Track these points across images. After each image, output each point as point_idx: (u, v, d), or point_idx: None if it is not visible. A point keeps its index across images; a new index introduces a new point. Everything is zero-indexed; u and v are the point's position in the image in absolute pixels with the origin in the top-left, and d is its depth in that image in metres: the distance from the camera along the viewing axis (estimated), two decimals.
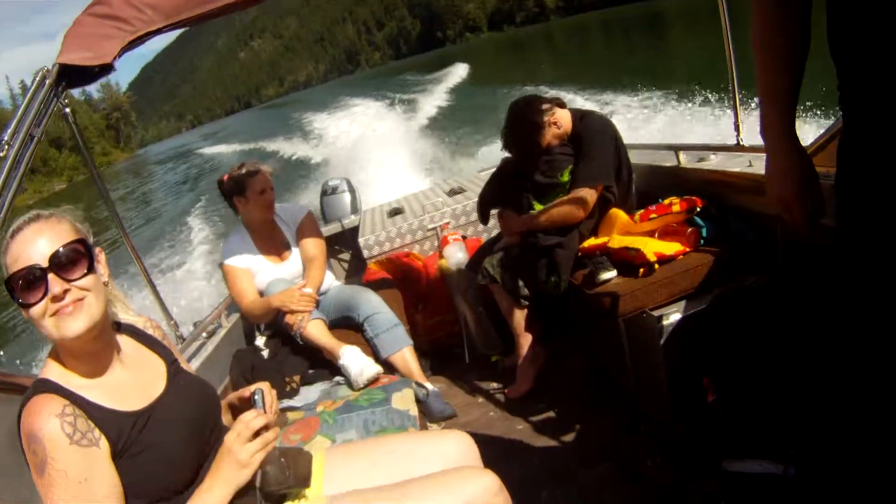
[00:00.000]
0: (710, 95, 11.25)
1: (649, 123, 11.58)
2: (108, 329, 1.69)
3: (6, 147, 2.34)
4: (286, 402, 3.17)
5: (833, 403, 2.25)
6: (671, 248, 2.95)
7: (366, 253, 4.77)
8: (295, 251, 3.85)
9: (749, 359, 2.62)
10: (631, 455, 2.92)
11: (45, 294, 1.50)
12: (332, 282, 3.97)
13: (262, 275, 3.73)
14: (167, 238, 17.99)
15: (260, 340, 3.76)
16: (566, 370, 3.78)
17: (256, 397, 1.70)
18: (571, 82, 20.42)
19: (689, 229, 3.03)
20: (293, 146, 24.60)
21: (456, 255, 4.24)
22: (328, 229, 5.21)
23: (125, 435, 1.56)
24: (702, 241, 3.00)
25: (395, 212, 5.27)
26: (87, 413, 1.53)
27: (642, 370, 3.08)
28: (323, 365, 3.49)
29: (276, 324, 3.67)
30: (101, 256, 1.68)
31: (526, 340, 3.67)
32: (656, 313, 2.81)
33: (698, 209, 3.09)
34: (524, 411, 3.55)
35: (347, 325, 3.67)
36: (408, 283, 4.49)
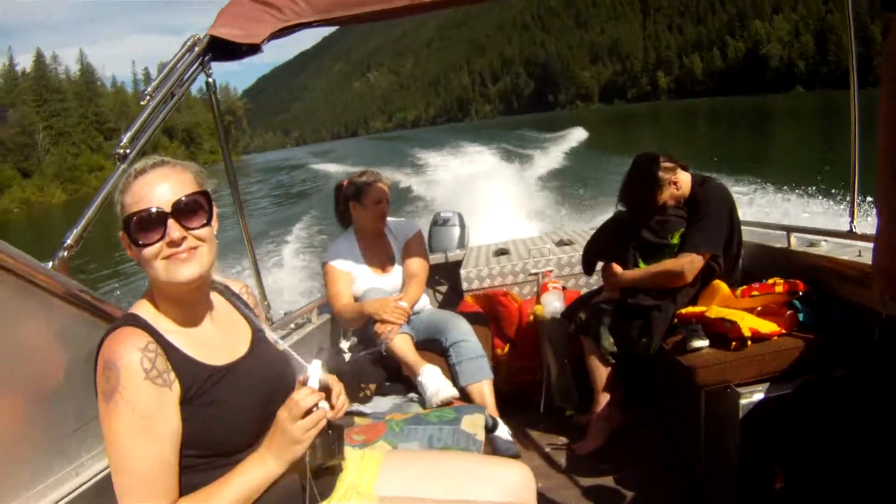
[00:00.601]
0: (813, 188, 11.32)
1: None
2: (208, 282, 1.76)
3: (147, 98, 2.51)
4: (357, 407, 3.22)
5: None
6: (767, 326, 2.90)
7: (465, 285, 4.82)
8: (398, 267, 3.92)
9: (825, 451, 2.54)
10: None
11: (163, 237, 1.57)
12: (426, 304, 4.04)
13: (362, 282, 3.81)
14: (269, 237, 18.65)
15: (345, 344, 3.83)
16: (638, 438, 3.72)
17: (312, 371, 1.70)
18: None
19: (788, 312, 2.98)
20: (405, 176, 25.10)
21: (553, 303, 4.23)
22: (432, 258, 5.26)
23: (198, 385, 1.61)
24: (798, 326, 2.94)
25: (501, 252, 5.32)
26: (168, 355, 1.58)
27: (714, 447, 3.02)
28: (400, 380, 3.53)
29: (363, 331, 3.73)
30: (215, 212, 1.75)
31: (604, 399, 3.64)
32: (740, 390, 2.76)
33: (800, 293, 3.04)
34: (588, 469, 3.51)
35: (433, 348, 3.70)
36: (500, 321, 4.51)
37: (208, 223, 1.66)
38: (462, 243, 5.90)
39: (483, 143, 35.44)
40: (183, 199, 1.60)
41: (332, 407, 1.68)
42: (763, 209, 11.40)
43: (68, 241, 2.13)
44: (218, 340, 1.75)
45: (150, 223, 1.57)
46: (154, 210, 1.57)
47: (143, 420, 1.49)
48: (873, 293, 2.73)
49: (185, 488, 1.58)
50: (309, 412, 1.61)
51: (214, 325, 1.77)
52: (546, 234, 6.32)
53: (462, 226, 6.04)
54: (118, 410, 1.49)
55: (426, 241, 5.25)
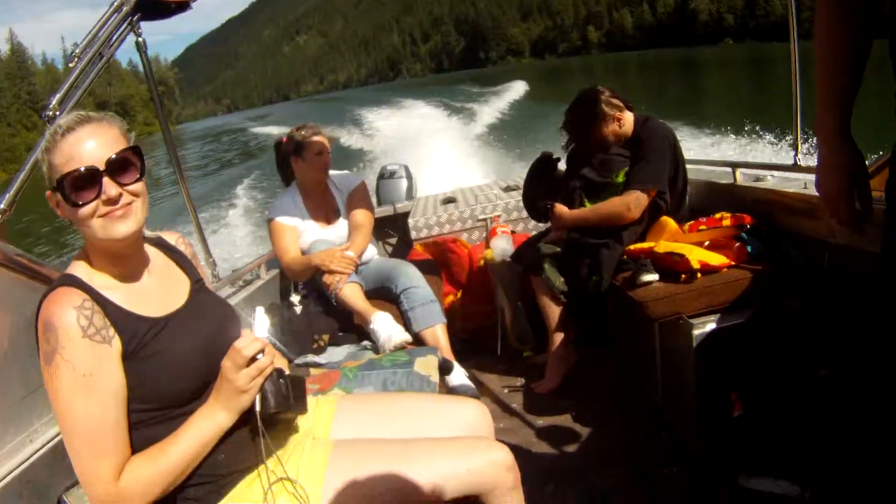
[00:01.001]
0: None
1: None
2: (142, 237, 1.72)
3: (76, 59, 2.43)
4: (312, 358, 3.18)
5: (862, 429, 2.20)
6: (716, 259, 2.92)
7: (413, 234, 4.80)
8: (343, 219, 3.88)
9: (781, 377, 2.58)
10: (646, 461, 2.89)
11: (98, 196, 1.53)
12: (374, 254, 3.99)
13: (308, 235, 3.76)
14: (212, 200, 18.59)
15: (295, 298, 3.79)
16: (595, 375, 3.75)
17: (254, 318, 1.68)
18: None
19: (737, 244, 2.99)
20: (347, 135, 24.95)
21: (502, 247, 4.21)
22: (380, 211, 5.25)
23: (138, 338, 1.58)
24: (748, 258, 2.96)
25: (449, 200, 5.30)
26: (106, 311, 1.55)
27: (671, 378, 3.05)
28: (353, 329, 3.51)
29: (312, 283, 3.71)
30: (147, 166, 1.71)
31: (559, 338, 3.64)
32: (693, 321, 2.78)
33: (748, 226, 3.06)
34: (547, 408, 3.53)
35: (384, 297, 3.68)
36: (450, 268, 4.50)
37: (141, 178, 1.61)
38: (410, 195, 5.87)
39: (422, 99, 35.41)
40: (115, 156, 1.56)
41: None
42: (704, 151, 11.61)
43: (1, 206, 2.09)
44: (155, 293, 1.71)
45: (84, 182, 1.52)
46: (89, 168, 1.52)
47: (85, 378, 1.47)
48: (821, 224, 2.78)
49: (145, 441, 1.57)
50: (253, 360, 1.59)
51: (151, 278, 1.73)
52: (493, 182, 6.31)
53: (409, 177, 6.02)
54: (59, 371, 1.47)
55: (373, 194, 5.22)
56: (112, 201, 1.54)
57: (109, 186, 1.53)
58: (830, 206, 1.66)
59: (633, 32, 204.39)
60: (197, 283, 1.85)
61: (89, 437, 1.47)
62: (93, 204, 1.53)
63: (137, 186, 1.60)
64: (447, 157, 13.65)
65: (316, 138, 3.74)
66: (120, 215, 1.56)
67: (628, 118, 3.51)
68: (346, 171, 4.09)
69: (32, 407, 1.99)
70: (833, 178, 1.63)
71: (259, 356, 1.60)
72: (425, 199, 5.64)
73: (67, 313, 1.49)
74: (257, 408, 1.62)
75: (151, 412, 1.58)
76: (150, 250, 1.80)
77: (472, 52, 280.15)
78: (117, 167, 1.55)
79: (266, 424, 1.66)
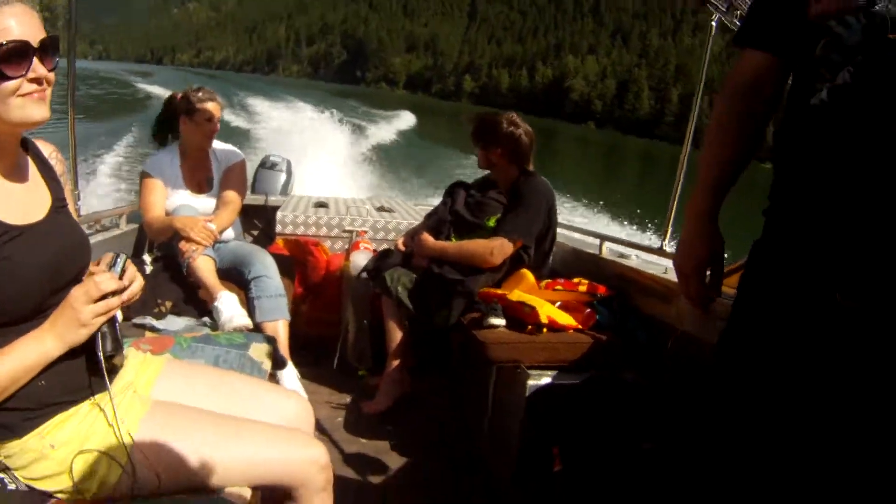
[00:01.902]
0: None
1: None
2: (20, 135, 1.65)
3: None
4: (149, 321, 3.09)
5: None
6: (565, 318, 3.01)
7: (279, 228, 4.72)
8: (215, 191, 3.79)
9: (605, 443, 2.66)
10: (459, 497, 2.92)
11: (26, 73, 1.47)
12: (235, 235, 3.92)
13: (176, 198, 3.64)
14: (90, 144, 17.80)
15: (147, 257, 3.69)
16: (426, 406, 3.78)
17: (118, 261, 1.61)
18: None
19: (587, 310, 3.10)
20: (234, 116, 24.52)
21: (361, 262, 4.20)
22: (252, 199, 5.15)
23: None
24: (595, 326, 3.07)
25: (321, 204, 5.25)
26: None
27: (499, 422, 3.11)
28: (196, 302, 3.41)
29: (167, 247, 3.60)
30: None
31: (397, 362, 3.64)
32: (530, 371, 2.85)
33: (602, 297, 3.18)
34: (370, 428, 3.51)
35: (234, 279, 3.60)
36: (306, 270, 4.44)
37: (55, 68, 1.56)
38: (285, 190, 5.80)
39: (311, 103, 35.30)
40: (47, 37, 1.50)
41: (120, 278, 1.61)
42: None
43: None
44: (17, 199, 1.60)
45: (16, 55, 1.45)
46: (24, 42, 1.46)
47: None
48: (672, 309, 2.91)
49: None
50: (104, 298, 1.53)
51: (15, 183, 1.62)
52: (369, 199, 6.33)
53: (289, 173, 5.96)
54: None
55: (250, 180, 5.12)
56: (37, 81, 1.49)
57: (38, 66, 1.48)
58: (683, 283, 1.76)
59: (507, 92, 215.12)
60: (59, 202, 1.73)
61: None
62: (18, 81, 1.47)
63: (53, 76, 1.55)
64: (329, 165, 13.63)
65: (210, 104, 3.67)
66: (38, 98, 1.50)
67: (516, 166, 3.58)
68: (230, 146, 4.00)
69: None
70: (690, 257, 1.73)
71: (110, 297, 1.54)
72: (298, 199, 5.57)
73: None
74: (98, 346, 1.56)
75: None
76: (21, 155, 1.70)
77: (350, 68, 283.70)
78: (46, 49, 1.50)
79: (110, 368, 1.62)
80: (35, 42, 1.47)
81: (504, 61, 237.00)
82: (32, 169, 1.71)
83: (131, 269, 1.64)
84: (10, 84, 1.46)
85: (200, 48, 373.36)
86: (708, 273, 1.73)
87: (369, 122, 31.95)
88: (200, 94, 3.68)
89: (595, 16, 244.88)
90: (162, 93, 37.87)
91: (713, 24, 3.41)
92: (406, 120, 39.35)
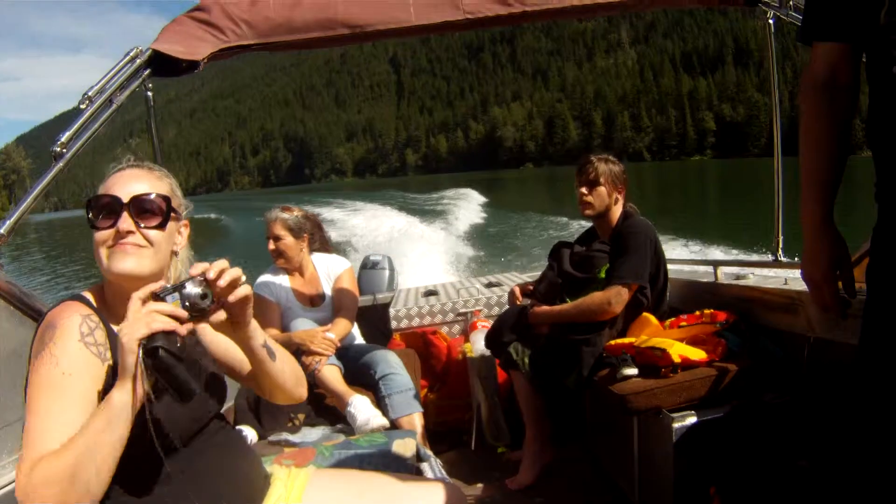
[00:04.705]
0: None
1: None
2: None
3: (87, 101, 2.52)
4: (285, 436, 3.15)
5: None
6: (696, 353, 2.92)
7: (394, 324, 4.78)
8: (327, 302, 3.89)
9: (761, 470, 2.55)
10: None
11: (114, 225, 1.58)
12: (355, 338, 3.98)
13: (290, 314, 3.76)
14: None
15: None
16: (570, 472, 3.69)
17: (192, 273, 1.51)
18: None
19: (717, 340, 3.01)
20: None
21: (482, 342, 4.20)
22: (361, 300, 5.22)
23: None
24: (727, 354, 2.97)
25: (430, 293, 5.31)
26: (109, 336, 1.56)
27: (648, 473, 3.01)
28: (328, 410, 3.48)
29: None
30: (184, 229, 1.77)
31: (536, 433, 3.61)
32: (672, 415, 2.77)
33: (728, 322, 3.09)
34: (521, 503, 3.45)
35: (362, 382, 3.64)
36: (429, 360, 4.47)
37: (162, 227, 1.65)
38: (391, 286, 5.87)
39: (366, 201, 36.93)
40: (143, 196, 1.62)
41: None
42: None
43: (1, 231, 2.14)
44: None
45: (105, 209, 1.60)
46: (114, 197, 1.60)
47: (63, 377, 1.45)
48: (801, 319, 2.81)
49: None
50: (156, 299, 1.45)
51: None
52: (474, 277, 6.36)
53: (391, 269, 6.03)
54: (43, 362, 1.46)
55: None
56: (121, 235, 1.58)
57: (125, 220, 1.59)
58: (815, 292, 1.71)
59: (447, 156, 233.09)
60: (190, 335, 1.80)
61: (40, 433, 1.40)
62: (106, 232, 1.59)
63: (154, 234, 1.63)
64: (420, 255, 13.83)
65: (270, 224, 3.86)
66: (126, 251, 1.59)
67: (620, 206, 3.58)
68: (333, 255, 4.10)
69: (3, 442, 1.94)
70: (817, 265, 1.69)
71: (163, 305, 1.44)
72: (406, 291, 5.65)
73: (72, 317, 1.51)
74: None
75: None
76: None
77: (298, 168, 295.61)
78: (141, 206, 1.62)
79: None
80: (127, 198, 1.60)
81: (438, 127, 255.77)
82: None
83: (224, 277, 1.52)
84: (100, 234, 1.60)
85: None
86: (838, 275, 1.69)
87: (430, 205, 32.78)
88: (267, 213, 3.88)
89: (513, 63, 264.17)
90: None
91: (770, 21, 3.38)
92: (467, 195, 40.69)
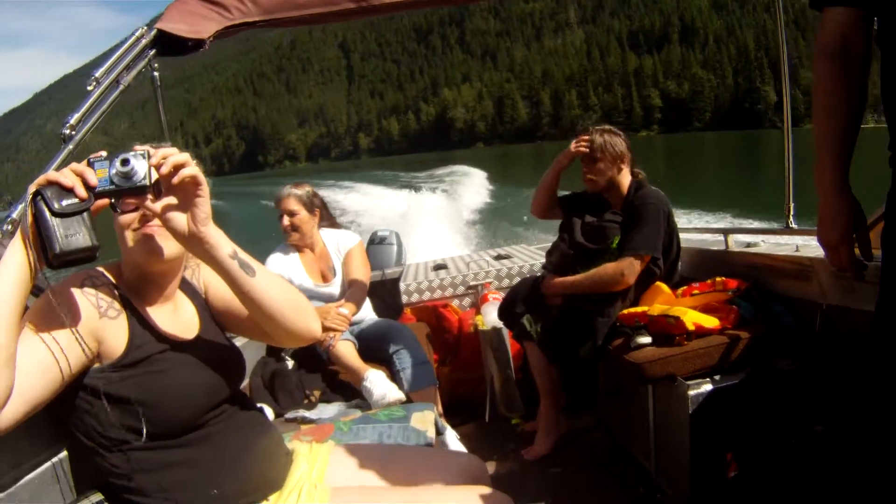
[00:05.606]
0: None
1: None
2: (176, 273, 1.74)
3: (94, 83, 2.50)
4: (302, 413, 3.16)
5: (860, 486, 2.19)
6: (710, 321, 2.93)
7: (404, 298, 4.80)
8: (338, 277, 3.87)
9: (776, 436, 2.57)
10: None
11: (137, 209, 1.53)
12: (368, 313, 3.99)
13: (302, 292, 3.73)
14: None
15: (287, 351, 3.76)
16: (585, 442, 3.73)
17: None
18: None
19: (730, 308, 3.02)
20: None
21: (493, 314, 4.20)
22: (371, 275, 5.24)
23: (150, 347, 1.56)
24: (740, 321, 2.98)
25: (439, 267, 5.32)
26: (120, 302, 1.57)
27: (664, 441, 3.03)
28: (345, 386, 3.48)
29: None
30: None
31: (550, 404, 3.63)
32: (687, 382, 2.78)
33: (740, 290, 3.09)
34: (538, 473, 3.49)
35: (376, 357, 3.64)
36: (440, 333, 4.49)
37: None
38: (399, 261, 5.88)
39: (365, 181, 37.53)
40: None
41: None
42: None
43: (12, 216, 2.16)
44: (172, 318, 1.70)
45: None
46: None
47: (50, 312, 1.41)
48: (813, 285, 2.82)
49: (134, 466, 1.50)
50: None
51: (166, 302, 1.72)
52: (482, 251, 6.36)
53: (399, 244, 6.02)
54: (39, 300, 1.44)
55: None
56: (147, 218, 1.55)
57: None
58: (832, 255, 1.72)
59: (400, 138, 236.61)
60: (207, 319, 1.82)
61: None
62: (131, 215, 1.55)
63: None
64: (426, 230, 13.84)
65: (280, 198, 3.85)
66: (155, 233, 1.57)
67: (626, 175, 3.56)
68: (343, 230, 4.09)
69: None
70: (833, 228, 1.69)
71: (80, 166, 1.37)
72: (416, 266, 5.66)
73: (79, 274, 1.52)
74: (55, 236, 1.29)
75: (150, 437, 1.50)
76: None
77: (251, 156, 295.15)
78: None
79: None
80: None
81: (390, 111, 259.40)
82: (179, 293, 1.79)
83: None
84: (124, 218, 1.56)
85: None
86: (854, 238, 1.70)
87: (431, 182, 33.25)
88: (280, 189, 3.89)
89: (462, 45, 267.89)
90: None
91: None
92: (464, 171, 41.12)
